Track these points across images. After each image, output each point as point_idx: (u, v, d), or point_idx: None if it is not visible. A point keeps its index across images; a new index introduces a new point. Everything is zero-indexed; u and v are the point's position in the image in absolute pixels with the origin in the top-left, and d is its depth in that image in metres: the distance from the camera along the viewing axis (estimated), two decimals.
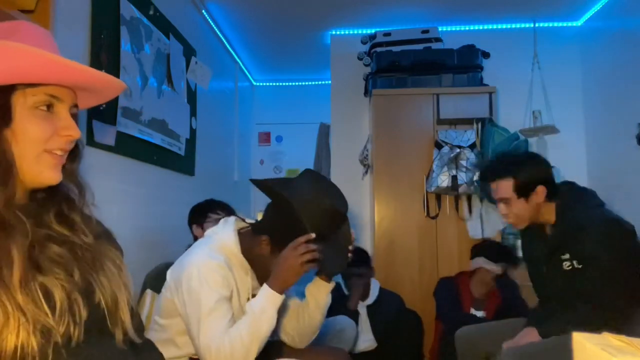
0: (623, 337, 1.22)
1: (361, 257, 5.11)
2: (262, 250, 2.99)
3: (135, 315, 1.75)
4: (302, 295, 3.25)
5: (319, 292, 3.19)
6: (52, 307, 1.40)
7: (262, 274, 3.00)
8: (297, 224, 2.84)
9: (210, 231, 3.12)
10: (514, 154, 3.61)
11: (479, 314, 4.83)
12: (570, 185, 3.55)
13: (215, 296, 2.78)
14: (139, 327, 1.82)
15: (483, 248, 5.01)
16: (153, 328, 3.04)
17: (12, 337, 1.32)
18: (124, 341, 1.62)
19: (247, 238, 3.06)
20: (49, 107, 1.54)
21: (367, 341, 4.93)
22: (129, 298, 1.68)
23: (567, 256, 3.35)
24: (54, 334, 1.39)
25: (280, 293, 2.78)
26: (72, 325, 1.43)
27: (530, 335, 3.35)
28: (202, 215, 4.48)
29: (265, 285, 2.79)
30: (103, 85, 1.68)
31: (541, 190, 3.36)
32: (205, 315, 2.73)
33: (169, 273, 2.97)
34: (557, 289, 3.47)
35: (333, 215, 2.95)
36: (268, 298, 2.75)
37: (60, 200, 1.64)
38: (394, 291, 5.28)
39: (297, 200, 2.86)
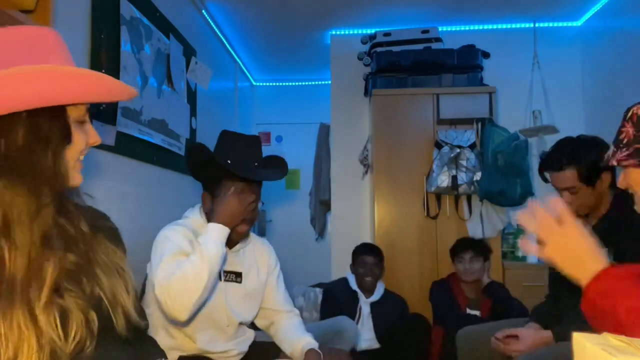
0: (623, 337, 1.22)
1: (374, 249, 5.35)
2: (207, 204, 3.20)
3: (137, 302, 1.76)
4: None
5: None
6: (66, 331, 1.41)
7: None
8: (213, 163, 3.13)
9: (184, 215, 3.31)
10: (575, 140, 3.40)
11: (475, 313, 4.83)
12: None
13: (173, 247, 2.93)
14: (141, 312, 1.83)
15: (455, 250, 5.13)
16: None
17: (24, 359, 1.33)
18: (127, 329, 1.62)
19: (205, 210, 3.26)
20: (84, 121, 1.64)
21: (368, 340, 4.94)
22: (126, 283, 1.68)
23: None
24: (61, 356, 1.39)
25: (227, 226, 2.94)
26: (89, 339, 1.46)
27: (542, 339, 3.30)
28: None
29: (211, 223, 2.93)
30: (124, 96, 1.72)
31: (606, 177, 3.24)
32: (164, 259, 2.86)
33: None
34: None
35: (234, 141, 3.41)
36: (216, 230, 2.89)
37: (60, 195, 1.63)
38: (395, 292, 5.28)
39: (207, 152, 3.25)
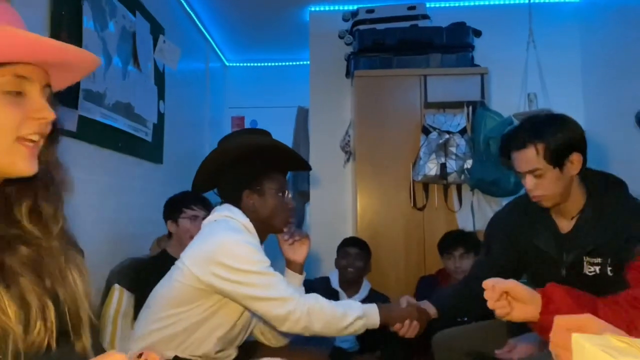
0: (625, 338, 1.23)
1: (358, 242, 5.37)
2: (252, 205, 3.25)
3: (94, 330, 1.72)
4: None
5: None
6: (22, 314, 1.39)
7: (263, 227, 3.28)
8: (255, 155, 3.25)
9: (219, 216, 3.23)
10: (540, 117, 3.18)
11: None
12: (599, 172, 3.22)
13: (264, 258, 3.03)
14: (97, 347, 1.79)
15: (444, 245, 5.15)
16: (161, 319, 3.10)
17: None
18: (85, 336, 1.60)
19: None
20: (18, 91, 1.50)
21: (347, 341, 4.95)
22: (89, 311, 1.65)
23: (597, 260, 3.02)
24: (18, 340, 1.37)
25: (380, 323, 3.10)
26: (44, 331, 1.43)
27: (534, 343, 3.21)
28: (177, 210, 4.46)
29: (375, 306, 3.13)
30: (76, 61, 1.63)
31: (577, 158, 3.00)
32: (266, 274, 2.96)
33: (187, 257, 3.07)
34: None
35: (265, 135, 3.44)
36: (372, 314, 3.08)
37: (36, 191, 1.61)
38: (379, 289, 5.28)
39: (239, 144, 3.26)
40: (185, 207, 4.42)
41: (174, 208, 4.49)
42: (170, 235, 4.48)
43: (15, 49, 1.45)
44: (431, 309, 3.44)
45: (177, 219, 4.41)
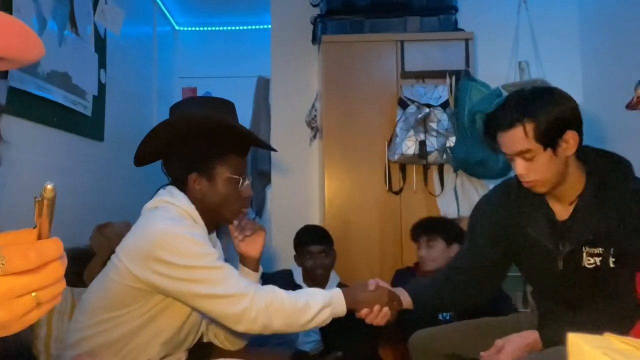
0: (628, 339, 1.22)
1: (320, 235, 5.24)
2: (199, 191, 3.13)
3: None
4: None
5: None
6: None
7: (210, 216, 3.18)
8: (207, 133, 3.12)
9: (159, 202, 3.13)
10: (527, 91, 3.05)
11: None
12: (600, 150, 3.17)
13: (211, 250, 2.95)
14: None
15: (420, 230, 5.08)
16: (95, 324, 3.03)
17: None
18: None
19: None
20: None
21: (312, 342, 4.94)
22: None
23: (598, 250, 3.00)
24: None
25: (345, 310, 3.07)
26: None
27: (527, 345, 3.16)
28: None
29: (339, 291, 3.10)
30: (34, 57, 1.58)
31: (572, 137, 2.92)
32: (213, 268, 2.88)
33: (122, 252, 2.99)
34: (566, 291, 3.19)
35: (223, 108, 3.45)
36: (338, 301, 3.05)
37: None
38: (350, 284, 5.26)
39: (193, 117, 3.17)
40: None
41: None
42: None
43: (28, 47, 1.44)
44: (405, 298, 3.41)
45: None
